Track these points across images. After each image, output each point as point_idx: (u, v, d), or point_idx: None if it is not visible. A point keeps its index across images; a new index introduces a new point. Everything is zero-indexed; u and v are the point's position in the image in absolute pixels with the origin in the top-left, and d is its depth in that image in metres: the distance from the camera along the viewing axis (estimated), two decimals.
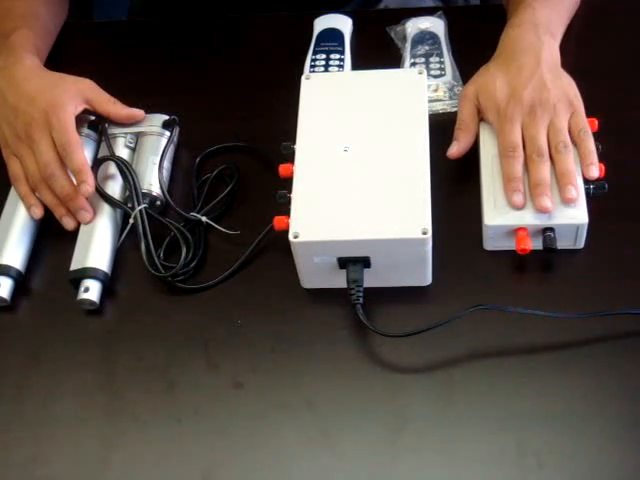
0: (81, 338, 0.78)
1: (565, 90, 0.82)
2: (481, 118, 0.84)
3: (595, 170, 0.78)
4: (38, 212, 0.84)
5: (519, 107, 0.80)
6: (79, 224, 0.83)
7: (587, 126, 0.80)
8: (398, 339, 0.73)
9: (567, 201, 0.76)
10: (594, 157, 0.78)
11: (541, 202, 0.76)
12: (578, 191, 0.77)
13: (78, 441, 0.72)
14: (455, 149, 0.83)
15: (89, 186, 0.81)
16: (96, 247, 0.81)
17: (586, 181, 0.78)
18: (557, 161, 0.78)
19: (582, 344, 0.73)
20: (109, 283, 0.80)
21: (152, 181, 0.84)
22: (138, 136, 0.89)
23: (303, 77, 0.86)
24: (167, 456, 0.70)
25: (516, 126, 0.80)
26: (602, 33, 0.98)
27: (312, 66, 0.95)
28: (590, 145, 0.79)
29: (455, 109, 0.89)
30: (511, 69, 0.83)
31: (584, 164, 0.78)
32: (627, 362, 0.72)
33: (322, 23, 1.00)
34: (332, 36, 0.99)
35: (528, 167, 0.78)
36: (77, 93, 0.86)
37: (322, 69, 0.95)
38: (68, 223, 0.83)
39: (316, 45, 0.98)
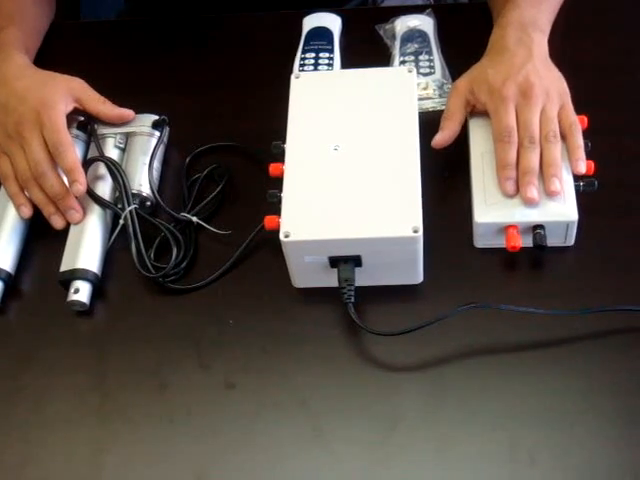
0: (72, 340, 0.78)
1: (556, 83, 0.82)
2: (471, 111, 0.84)
3: (583, 165, 0.78)
4: (27, 212, 0.83)
5: (514, 87, 0.80)
6: (68, 223, 0.83)
7: (577, 121, 0.80)
8: (390, 338, 0.73)
9: (551, 193, 0.76)
10: (582, 152, 0.78)
11: (527, 192, 0.76)
12: (562, 185, 0.77)
13: (70, 443, 0.72)
14: (439, 137, 0.83)
15: (81, 185, 0.81)
16: (86, 248, 0.80)
17: (576, 178, 0.78)
18: (545, 150, 0.78)
19: (573, 341, 0.73)
20: (99, 284, 0.80)
21: (142, 181, 0.84)
22: (128, 136, 0.89)
23: (292, 76, 0.86)
24: (160, 457, 0.70)
25: (511, 107, 0.80)
26: (589, 31, 0.98)
27: (301, 65, 0.95)
28: (579, 140, 0.79)
29: (445, 107, 0.89)
30: (504, 60, 0.83)
31: (572, 158, 0.78)
32: (619, 359, 0.72)
33: (311, 22, 1.00)
34: (321, 35, 0.98)
35: (519, 153, 0.78)
36: (67, 92, 0.86)
37: (311, 68, 0.95)
38: (57, 222, 0.83)
39: (305, 44, 0.98)
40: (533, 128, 0.79)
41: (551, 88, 0.81)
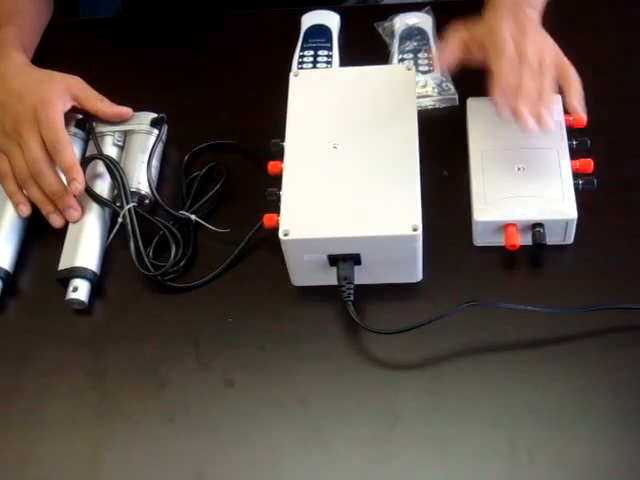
0: (71, 338, 0.78)
1: (551, 44, 0.80)
2: (467, 60, 0.81)
3: (582, 107, 0.76)
4: (26, 210, 0.83)
5: (512, 26, 0.78)
6: (66, 222, 0.83)
7: (575, 72, 0.78)
8: (389, 336, 0.73)
9: (538, 118, 0.74)
10: (581, 95, 0.76)
11: (519, 106, 0.74)
12: (550, 115, 0.75)
13: (69, 441, 0.72)
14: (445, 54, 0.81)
15: (79, 184, 0.81)
16: (85, 246, 0.80)
17: (575, 176, 0.78)
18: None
19: (572, 339, 0.73)
20: (98, 282, 0.80)
21: (141, 180, 0.84)
22: (126, 134, 0.88)
23: (291, 74, 0.86)
24: (159, 455, 0.70)
25: (509, 39, 0.77)
26: (588, 31, 0.98)
27: (300, 62, 0.95)
28: (578, 85, 0.77)
29: (444, 105, 0.89)
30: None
31: (573, 102, 0.76)
32: (617, 357, 0.72)
33: (310, 19, 1.00)
34: (320, 32, 0.98)
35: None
36: (65, 90, 0.86)
37: (310, 65, 0.95)
38: (55, 221, 0.83)
39: (304, 41, 0.98)
40: (532, 59, 0.76)
41: (548, 43, 0.79)
